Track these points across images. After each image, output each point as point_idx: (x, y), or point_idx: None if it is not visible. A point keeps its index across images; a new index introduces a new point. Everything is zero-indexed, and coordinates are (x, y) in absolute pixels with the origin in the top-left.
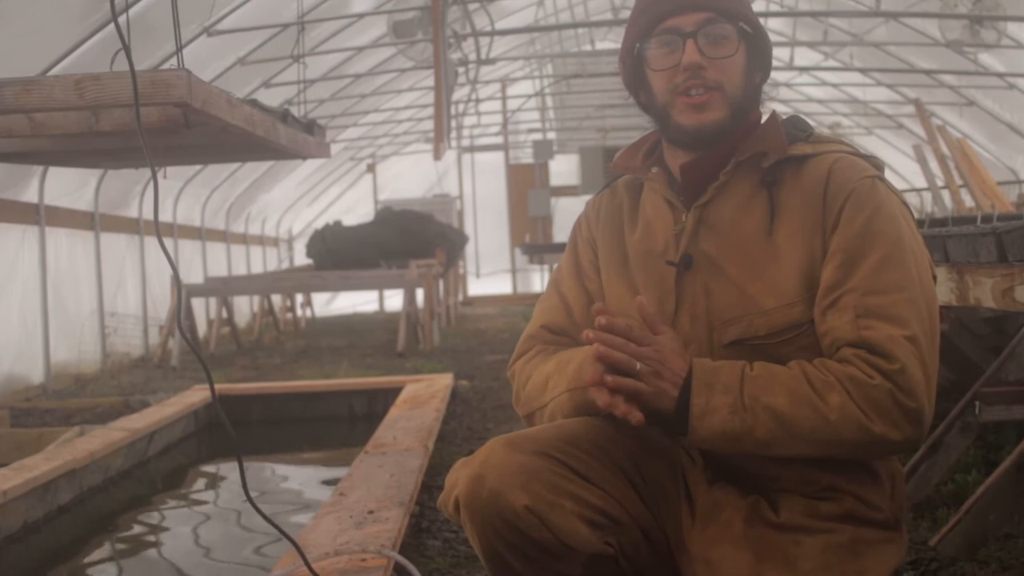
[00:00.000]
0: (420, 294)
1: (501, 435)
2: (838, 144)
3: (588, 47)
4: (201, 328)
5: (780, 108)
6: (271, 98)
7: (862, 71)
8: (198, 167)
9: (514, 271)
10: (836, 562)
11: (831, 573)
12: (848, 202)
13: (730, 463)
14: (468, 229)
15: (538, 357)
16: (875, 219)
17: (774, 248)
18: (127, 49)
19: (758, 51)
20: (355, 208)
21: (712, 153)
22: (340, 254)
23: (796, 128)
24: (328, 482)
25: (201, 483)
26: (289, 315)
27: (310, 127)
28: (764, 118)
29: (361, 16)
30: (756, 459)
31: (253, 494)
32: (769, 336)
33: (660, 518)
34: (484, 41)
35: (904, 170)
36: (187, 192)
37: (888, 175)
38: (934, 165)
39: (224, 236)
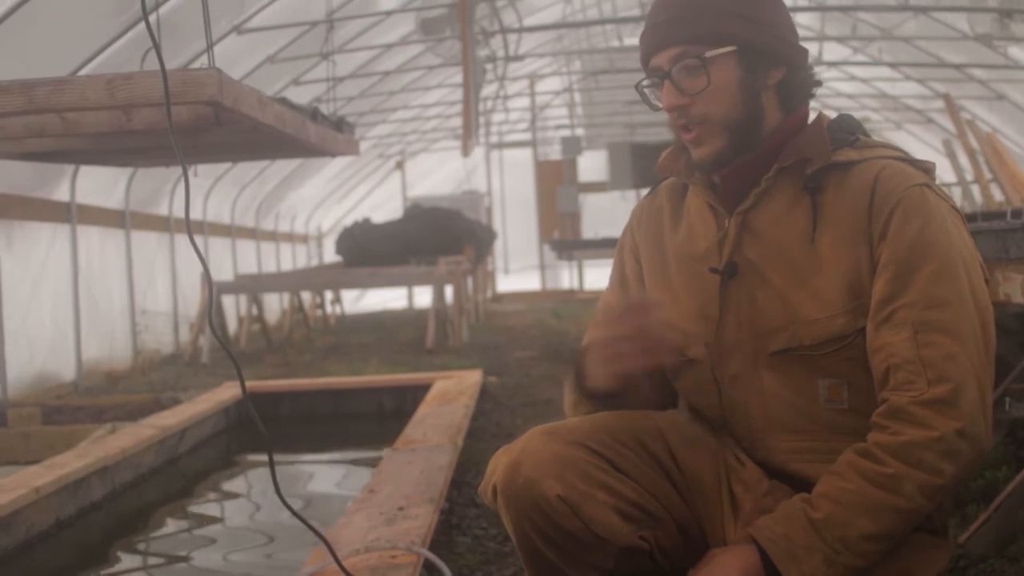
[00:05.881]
0: (449, 291)
1: (541, 425)
2: (885, 149)
3: (616, 43)
4: (231, 325)
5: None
6: (300, 96)
7: (891, 65)
8: (228, 165)
9: (543, 267)
10: (880, 565)
11: None
12: (896, 212)
13: (782, 472)
14: (496, 225)
15: None
16: (925, 231)
17: (817, 256)
18: (158, 48)
19: (756, 54)
20: (384, 205)
21: (755, 157)
22: (369, 251)
23: (843, 131)
24: (358, 477)
25: (232, 480)
26: (319, 312)
27: (339, 124)
28: (812, 117)
29: (389, 13)
30: (804, 472)
31: (283, 491)
32: (814, 347)
33: (697, 515)
34: (512, 38)
35: None
36: (217, 190)
37: None
38: (963, 160)
39: (254, 233)
